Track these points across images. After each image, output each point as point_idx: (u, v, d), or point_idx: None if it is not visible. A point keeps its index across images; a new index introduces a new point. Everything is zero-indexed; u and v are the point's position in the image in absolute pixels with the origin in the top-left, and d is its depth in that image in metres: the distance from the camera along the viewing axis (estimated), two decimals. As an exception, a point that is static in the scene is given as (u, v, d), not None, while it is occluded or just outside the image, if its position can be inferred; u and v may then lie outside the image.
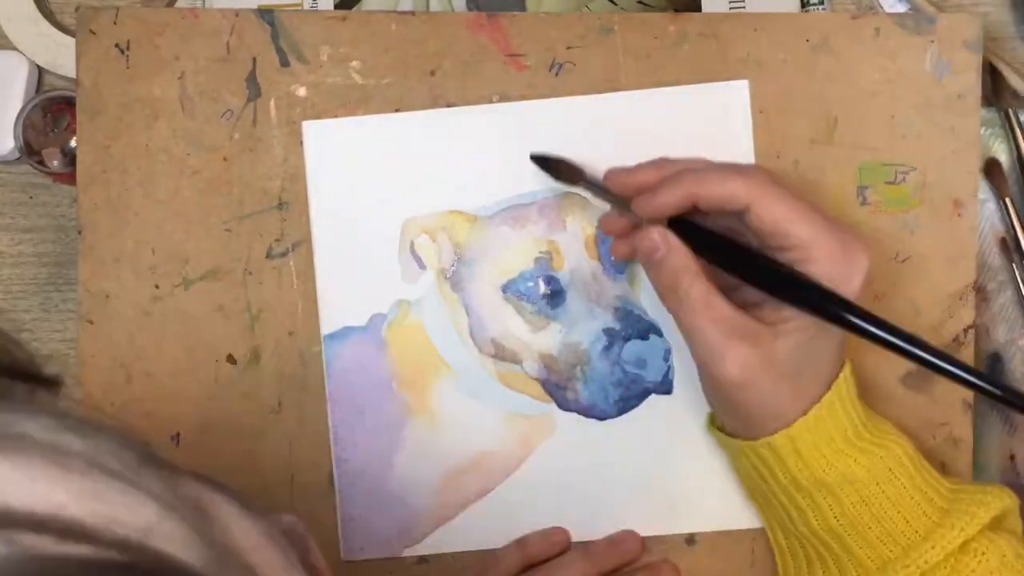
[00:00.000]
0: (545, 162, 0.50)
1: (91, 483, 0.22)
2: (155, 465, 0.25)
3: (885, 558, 0.44)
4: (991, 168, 0.55)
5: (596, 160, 0.51)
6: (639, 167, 0.47)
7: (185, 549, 0.23)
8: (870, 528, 0.44)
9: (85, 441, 0.23)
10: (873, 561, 0.44)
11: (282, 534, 0.27)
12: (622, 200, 0.47)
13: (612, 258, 0.51)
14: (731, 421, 0.47)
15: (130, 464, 0.24)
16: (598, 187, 0.48)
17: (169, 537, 0.23)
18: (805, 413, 0.44)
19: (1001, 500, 0.45)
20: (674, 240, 0.45)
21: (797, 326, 0.43)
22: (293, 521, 0.30)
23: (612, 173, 0.47)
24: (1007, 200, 0.55)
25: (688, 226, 0.45)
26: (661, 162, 0.47)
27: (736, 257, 0.45)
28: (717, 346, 0.43)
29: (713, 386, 0.46)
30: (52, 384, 0.27)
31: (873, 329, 0.42)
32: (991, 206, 0.56)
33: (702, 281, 0.44)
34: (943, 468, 0.52)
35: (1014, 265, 0.55)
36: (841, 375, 0.45)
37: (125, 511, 0.22)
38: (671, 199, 0.44)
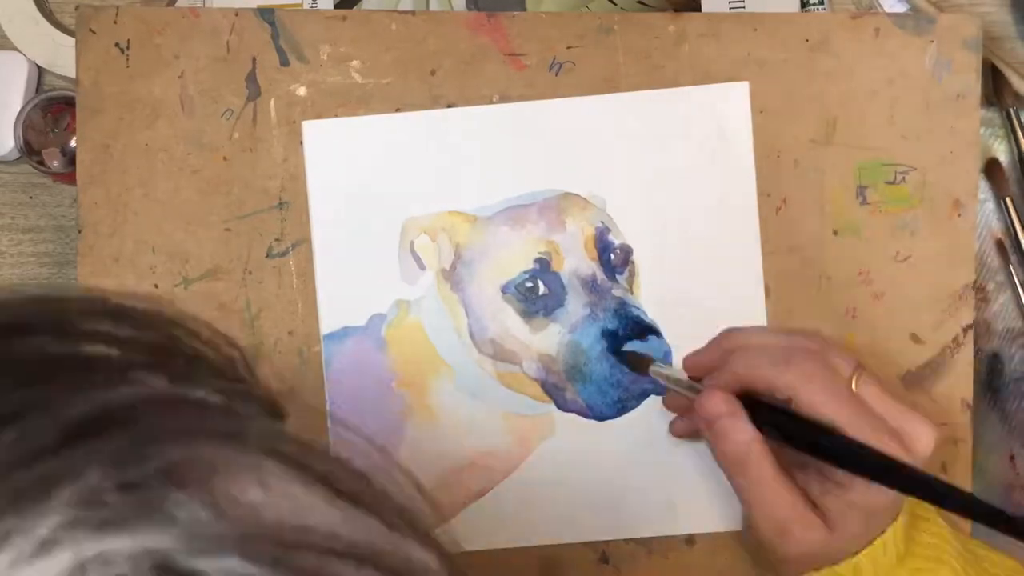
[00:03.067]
0: (621, 356, 0.50)
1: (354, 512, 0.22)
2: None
3: None
4: (991, 168, 0.55)
5: (596, 161, 0.51)
6: (706, 348, 0.48)
7: (422, 552, 0.23)
8: None
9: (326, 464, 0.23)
10: None
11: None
12: (691, 383, 0.47)
13: (612, 260, 0.51)
14: (769, 557, 0.46)
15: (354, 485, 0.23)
16: (667, 376, 0.48)
17: (401, 547, 0.22)
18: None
19: None
20: (741, 413, 0.44)
21: (852, 517, 0.42)
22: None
23: (686, 359, 0.49)
24: (1007, 200, 0.55)
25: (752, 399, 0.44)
26: (722, 337, 0.48)
27: (802, 431, 0.43)
28: (782, 525, 0.42)
29: (764, 548, 0.45)
30: (279, 416, 0.26)
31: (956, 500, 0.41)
32: (990, 206, 0.56)
33: (769, 455, 0.43)
34: (944, 468, 0.52)
35: (1011, 266, 0.55)
36: (889, 531, 0.43)
37: (404, 561, 0.22)
38: (724, 381, 0.45)
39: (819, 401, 0.42)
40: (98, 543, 0.17)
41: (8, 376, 0.20)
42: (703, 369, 0.47)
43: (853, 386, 0.43)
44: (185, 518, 0.18)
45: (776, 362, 0.43)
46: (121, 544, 0.17)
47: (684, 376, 0.48)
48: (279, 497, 0.20)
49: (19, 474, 0.18)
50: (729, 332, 0.48)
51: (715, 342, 0.48)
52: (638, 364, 0.50)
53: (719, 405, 0.44)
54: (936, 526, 0.45)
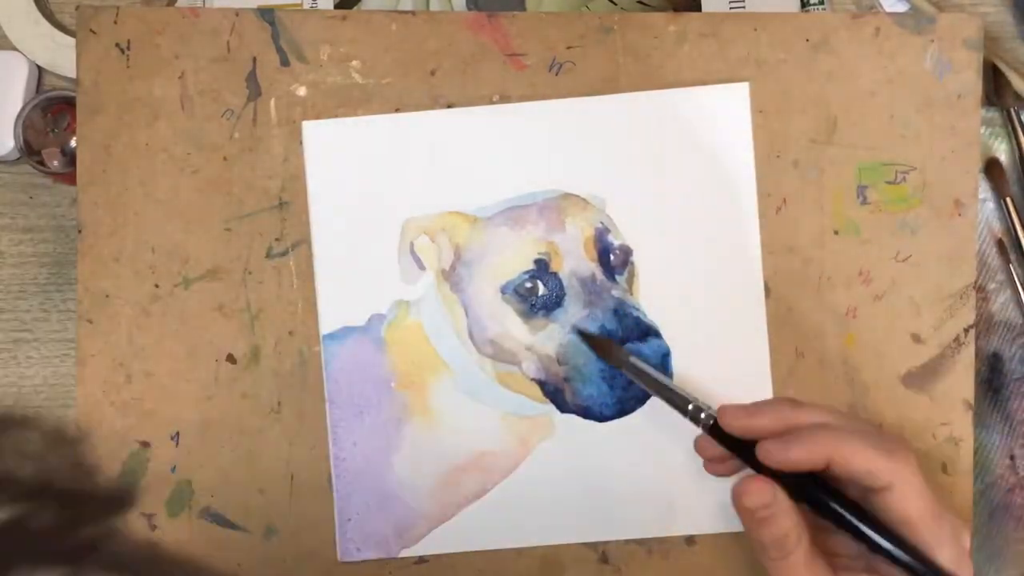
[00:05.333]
0: (591, 340, 0.49)
1: None
2: None
3: None
4: (991, 168, 0.55)
5: (596, 161, 0.51)
6: (760, 408, 0.44)
7: None
8: None
9: None
10: None
11: None
12: (698, 405, 0.46)
13: (612, 260, 0.51)
14: None
15: None
16: (666, 389, 0.47)
17: None
18: None
19: None
20: (784, 500, 0.42)
21: None
22: None
23: (730, 413, 0.45)
24: (1007, 200, 0.55)
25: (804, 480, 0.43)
26: (782, 406, 0.44)
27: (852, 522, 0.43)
28: None
29: None
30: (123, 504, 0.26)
31: None
32: (991, 206, 0.56)
33: (807, 544, 0.42)
34: (944, 468, 0.52)
35: (1011, 266, 0.55)
36: None
37: None
38: (804, 457, 0.42)
39: (914, 498, 0.41)
40: None
41: None
42: (754, 433, 0.44)
43: None
44: None
45: (881, 452, 0.42)
46: None
47: (680, 390, 0.47)
48: None
49: None
50: (790, 403, 0.45)
51: (770, 409, 0.44)
52: (605, 351, 0.48)
53: (765, 496, 0.42)
54: None
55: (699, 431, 0.46)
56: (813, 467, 0.42)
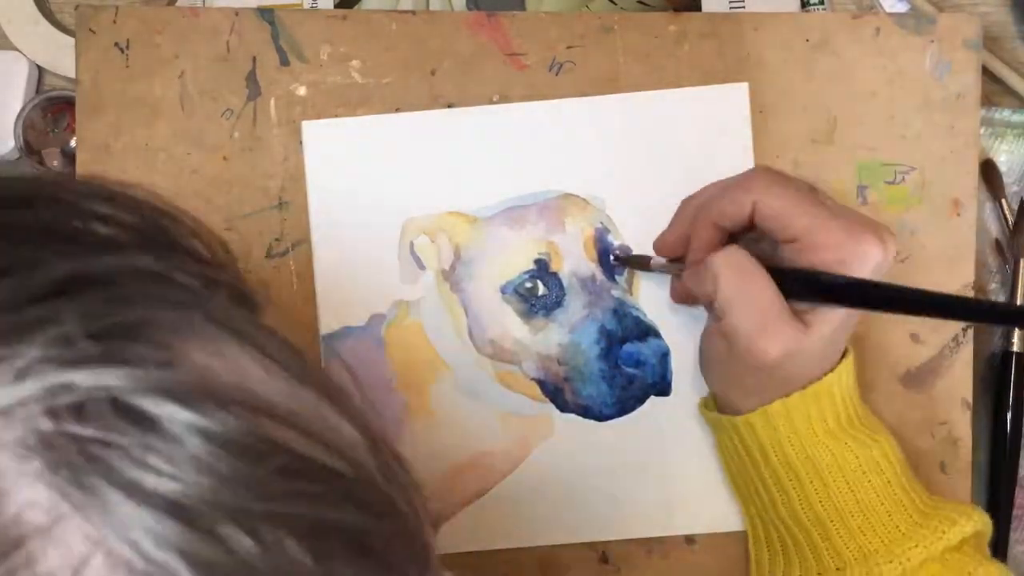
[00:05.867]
0: (621, 260, 0.51)
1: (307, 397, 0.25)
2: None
3: (866, 550, 0.45)
4: (987, 169, 0.55)
5: (596, 161, 0.51)
6: (671, 225, 0.50)
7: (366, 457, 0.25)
8: (853, 516, 0.45)
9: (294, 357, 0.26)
10: (852, 552, 0.45)
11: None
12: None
13: (612, 260, 0.51)
14: (734, 395, 0.47)
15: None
16: (664, 265, 0.50)
17: (353, 447, 0.25)
18: (803, 388, 0.45)
19: (981, 519, 0.45)
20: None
21: (826, 318, 0.44)
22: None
23: (656, 243, 0.50)
24: (1003, 201, 0.55)
25: None
26: (682, 207, 0.50)
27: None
28: (764, 319, 0.43)
29: (735, 355, 0.45)
30: (254, 306, 0.29)
31: (892, 299, 0.43)
32: (991, 206, 0.56)
33: (760, 265, 0.44)
34: (943, 468, 0.52)
35: (1008, 267, 0.55)
36: (843, 362, 0.46)
37: (334, 432, 0.25)
38: (704, 237, 0.47)
39: (778, 201, 0.44)
40: (64, 376, 0.21)
41: (6, 240, 0.24)
42: (678, 245, 0.49)
43: None
44: (139, 366, 0.22)
45: (736, 184, 0.46)
46: (83, 379, 0.21)
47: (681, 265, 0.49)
48: (228, 363, 0.24)
49: (7, 316, 0.22)
50: (684, 200, 0.50)
51: (677, 215, 0.50)
52: (639, 263, 0.51)
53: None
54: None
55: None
56: (710, 237, 0.46)
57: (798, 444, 0.45)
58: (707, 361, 0.49)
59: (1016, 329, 0.55)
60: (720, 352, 0.46)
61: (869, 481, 0.45)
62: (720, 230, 0.46)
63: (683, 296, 0.50)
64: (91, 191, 0.27)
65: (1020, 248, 0.55)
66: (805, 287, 0.44)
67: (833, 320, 0.44)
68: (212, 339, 0.24)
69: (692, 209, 0.49)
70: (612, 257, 0.51)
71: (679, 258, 0.49)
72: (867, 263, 0.43)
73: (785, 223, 0.44)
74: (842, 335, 0.45)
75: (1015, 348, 0.55)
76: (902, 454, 0.47)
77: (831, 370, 0.45)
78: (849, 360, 0.46)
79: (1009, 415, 0.54)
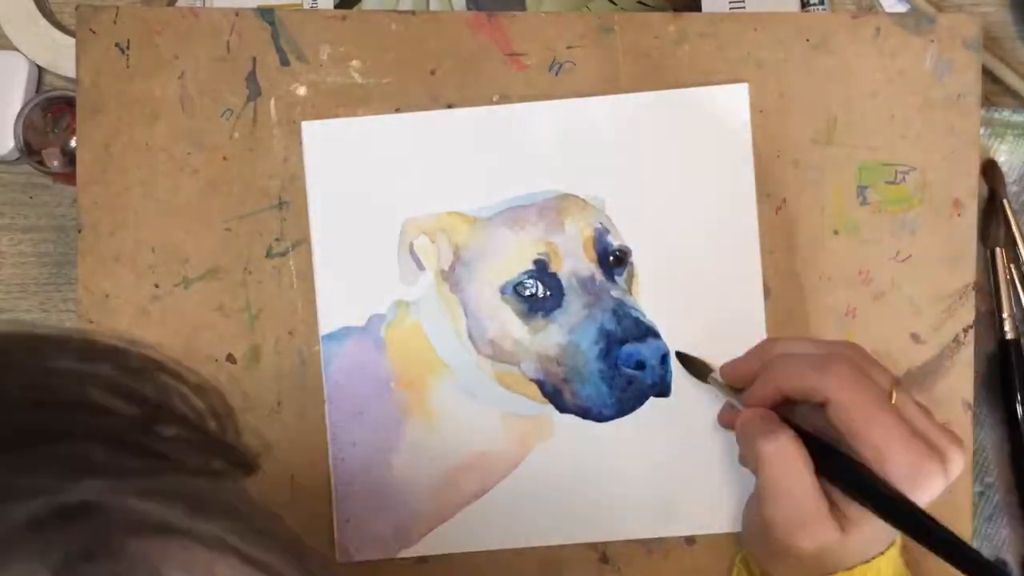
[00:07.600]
0: (683, 358, 0.51)
1: None
2: None
3: None
4: (988, 169, 0.55)
5: (596, 161, 0.51)
6: (745, 356, 0.48)
7: None
8: None
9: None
10: None
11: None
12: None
13: (611, 261, 0.51)
14: (771, 565, 0.47)
15: None
16: (721, 386, 0.49)
17: None
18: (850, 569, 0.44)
19: None
20: (772, 414, 0.45)
21: (870, 521, 0.43)
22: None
23: (724, 368, 0.49)
24: (1005, 201, 0.55)
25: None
26: (765, 345, 0.48)
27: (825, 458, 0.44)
28: (801, 518, 0.43)
29: (771, 543, 0.45)
30: (249, 470, 0.28)
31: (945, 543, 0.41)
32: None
33: (803, 453, 0.43)
34: (943, 468, 0.52)
35: (1011, 266, 0.55)
36: (890, 550, 0.44)
37: None
38: (764, 392, 0.45)
39: (855, 407, 0.42)
40: None
41: None
42: (742, 378, 0.47)
43: (892, 399, 0.43)
44: None
45: (814, 367, 0.43)
46: None
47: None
48: None
49: None
50: (770, 340, 0.48)
51: (755, 350, 0.48)
52: (698, 369, 0.50)
53: (755, 413, 0.45)
54: None
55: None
56: (775, 400, 0.45)
57: None
58: (746, 526, 0.49)
59: (1007, 317, 0.55)
60: (758, 526, 0.46)
61: None
62: (781, 397, 0.45)
63: (729, 424, 0.50)
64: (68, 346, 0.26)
65: (995, 238, 0.55)
66: (859, 492, 0.42)
67: (876, 525, 0.43)
68: (208, 565, 0.23)
69: (771, 357, 0.46)
70: (676, 352, 0.51)
71: (739, 388, 0.48)
72: (927, 491, 0.42)
73: (855, 430, 0.42)
74: (884, 535, 0.44)
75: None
76: None
77: (881, 553, 0.44)
78: (895, 547, 0.45)
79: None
